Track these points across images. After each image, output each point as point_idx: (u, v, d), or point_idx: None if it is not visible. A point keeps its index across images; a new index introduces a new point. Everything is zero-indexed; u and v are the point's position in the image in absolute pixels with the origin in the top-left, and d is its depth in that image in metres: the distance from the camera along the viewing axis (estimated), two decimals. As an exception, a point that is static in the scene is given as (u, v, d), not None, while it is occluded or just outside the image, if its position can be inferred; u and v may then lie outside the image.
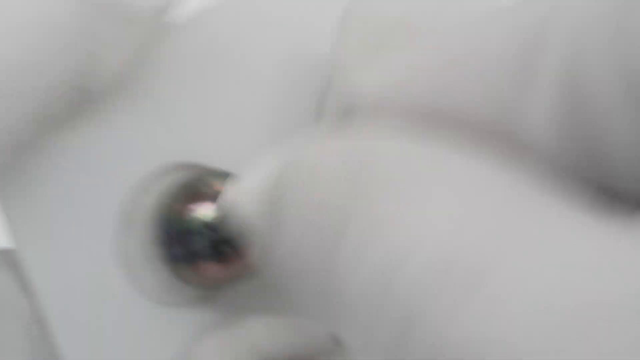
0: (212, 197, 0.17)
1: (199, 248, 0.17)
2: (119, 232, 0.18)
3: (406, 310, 0.11)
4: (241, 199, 0.15)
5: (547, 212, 0.11)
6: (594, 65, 0.12)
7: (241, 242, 0.16)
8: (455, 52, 0.14)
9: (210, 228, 0.17)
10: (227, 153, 0.19)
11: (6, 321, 0.18)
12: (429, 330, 0.11)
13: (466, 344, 0.10)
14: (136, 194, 0.18)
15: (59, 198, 0.18)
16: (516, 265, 0.11)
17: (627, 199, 0.13)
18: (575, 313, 0.10)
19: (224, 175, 0.18)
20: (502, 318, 0.10)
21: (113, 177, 0.18)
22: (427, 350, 0.11)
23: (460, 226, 0.11)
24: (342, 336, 0.13)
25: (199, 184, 0.18)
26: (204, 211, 0.17)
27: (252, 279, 0.18)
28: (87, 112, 0.18)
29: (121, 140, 0.18)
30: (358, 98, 0.16)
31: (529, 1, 0.14)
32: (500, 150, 0.13)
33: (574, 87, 0.13)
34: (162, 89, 0.19)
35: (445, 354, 0.11)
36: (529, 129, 0.13)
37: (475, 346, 0.10)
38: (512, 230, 0.11)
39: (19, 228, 0.18)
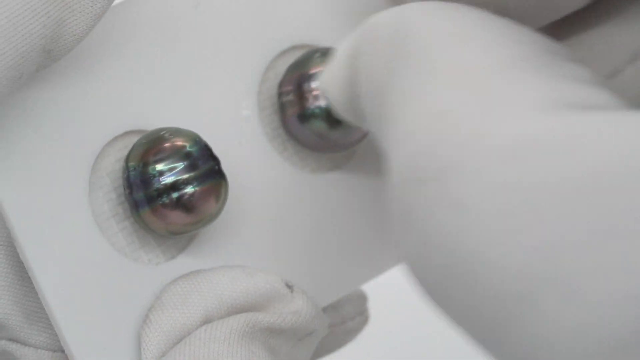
0: (172, 149, 0.19)
1: (157, 191, 0.19)
2: (89, 187, 0.19)
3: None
4: (331, 67, 0.17)
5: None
6: None
7: (201, 184, 0.19)
8: None
9: (163, 173, 0.19)
10: (188, 113, 0.20)
11: None
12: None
13: None
14: (102, 150, 0.19)
15: (32, 151, 0.19)
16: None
17: None
18: None
19: (184, 133, 0.19)
20: None
21: (82, 134, 0.19)
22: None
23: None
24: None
25: (160, 140, 0.19)
26: (159, 161, 0.19)
27: (213, 224, 0.19)
28: (50, 72, 0.19)
29: (87, 100, 0.19)
30: None
31: None
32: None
33: None
34: (119, 54, 0.20)
35: None
36: None
37: None
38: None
39: None
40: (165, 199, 0.19)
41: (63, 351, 0.19)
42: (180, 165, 0.19)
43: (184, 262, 0.20)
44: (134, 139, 0.20)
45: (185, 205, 0.19)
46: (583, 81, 0.14)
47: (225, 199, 0.19)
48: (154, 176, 0.19)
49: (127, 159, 0.19)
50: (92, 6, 0.17)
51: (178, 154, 0.19)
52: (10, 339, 0.20)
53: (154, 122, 0.20)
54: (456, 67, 0.15)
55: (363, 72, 0.17)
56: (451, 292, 0.13)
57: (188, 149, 0.19)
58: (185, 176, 0.19)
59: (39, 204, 0.18)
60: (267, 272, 0.20)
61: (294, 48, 0.21)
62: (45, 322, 0.19)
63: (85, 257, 0.19)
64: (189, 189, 0.19)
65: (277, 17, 0.21)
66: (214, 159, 0.19)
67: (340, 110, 0.17)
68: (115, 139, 0.20)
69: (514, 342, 0.12)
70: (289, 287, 0.20)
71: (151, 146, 0.19)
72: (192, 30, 0.20)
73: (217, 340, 0.18)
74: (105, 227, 0.19)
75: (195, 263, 0.20)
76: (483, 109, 0.14)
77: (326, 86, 0.18)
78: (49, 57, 0.17)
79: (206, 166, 0.19)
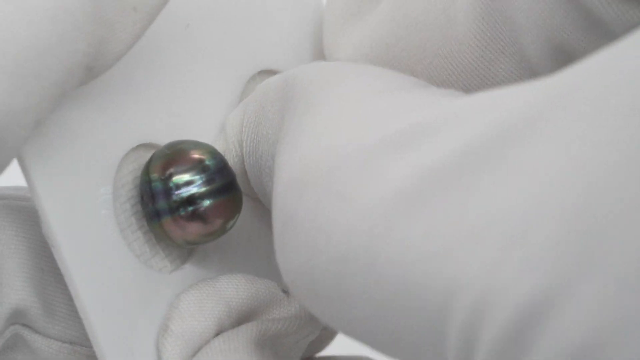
0: (194, 162, 0.20)
1: (179, 202, 0.19)
2: (112, 196, 0.20)
3: None
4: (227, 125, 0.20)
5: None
6: None
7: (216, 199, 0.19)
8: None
9: (176, 187, 0.19)
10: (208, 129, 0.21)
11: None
12: None
13: None
14: (122, 162, 0.20)
15: (68, 160, 0.19)
16: None
17: None
18: None
19: (203, 146, 0.20)
20: None
21: (107, 145, 0.20)
22: None
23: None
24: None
25: (182, 152, 0.20)
26: (180, 172, 0.20)
27: (225, 235, 0.20)
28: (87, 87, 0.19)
29: (99, 116, 0.20)
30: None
31: None
32: None
33: None
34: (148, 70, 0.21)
35: None
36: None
37: None
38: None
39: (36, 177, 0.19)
40: (187, 210, 0.19)
41: (72, 343, 0.20)
42: (202, 177, 0.20)
43: (191, 271, 0.21)
44: (143, 152, 0.20)
45: (204, 216, 0.19)
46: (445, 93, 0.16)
47: (240, 211, 0.20)
48: (177, 187, 0.19)
49: (148, 170, 0.20)
50: (132, 26, 0.18)
51: (199, 166, 0.20)
52: (24, 325, 0.20)
53: (161, 136, 0.21)
54: (332, 100, 0.16)
55: (253, 118, 0.19)
56: (345, 289, 0.14)
57: (207, 162, 0.20)
58: (206, 189, 0.19)
59: (73, 214, 0.19)
60: (264, 279, 0.21)
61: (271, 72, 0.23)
62: (61, 314, 0.20)
63: (112, 265, 0.19)
64: (210, 202, 0.19)
65: (264, 40, 0.23)
66: (231, 173, 0.20)
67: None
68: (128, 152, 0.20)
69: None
70: (285, 292, 0.21)
71: (174, 158, 0.20)
72: (182, 49, 0.21)
73: (237, 351, 0.19)
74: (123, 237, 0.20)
75: (201, 272, 0.21)
76: (354, 124, 0.15)
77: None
78: (90, 74, 0.18)
79: (225, 179, 0.20)
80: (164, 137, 0.21)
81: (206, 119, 0.22)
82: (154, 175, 0.20)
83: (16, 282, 0.20)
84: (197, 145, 0.20)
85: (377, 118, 0.15)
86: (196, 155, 0.20)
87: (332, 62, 0.20)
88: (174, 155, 0.20)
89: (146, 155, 0.20)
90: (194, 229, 0.20)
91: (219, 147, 0.21)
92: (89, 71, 0.18)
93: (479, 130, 0.13)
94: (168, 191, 0.19)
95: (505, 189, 0.12)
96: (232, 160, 0.21)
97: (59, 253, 0.19)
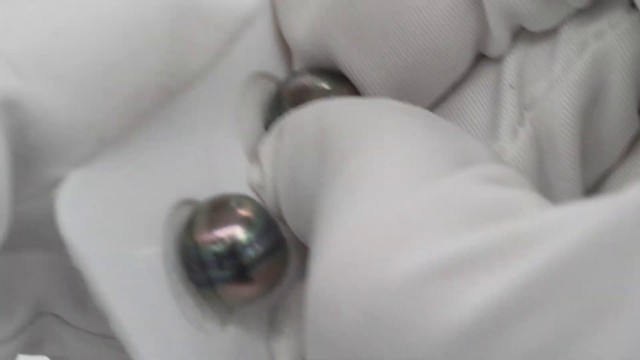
0: (235, 220, 0.19)
1: (213, 274, 0.18)
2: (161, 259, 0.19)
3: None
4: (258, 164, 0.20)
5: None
6: None
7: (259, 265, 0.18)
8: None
9: (229, 253, 0.18)
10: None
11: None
12: None
13: None
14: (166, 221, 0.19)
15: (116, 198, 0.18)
16: None
17: None
18: None
19: (244, 199, 0.19)
20: None
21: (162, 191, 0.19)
22: None
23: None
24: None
25: (221, 210, 0.19)
26: (226, 234, 0.18)
27: (273, 296, 0.19)
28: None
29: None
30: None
31: None
32: None
33: None
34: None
35: None
36: None
37: None
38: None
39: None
40: (242, 274, 0.18)
41: (102, 336, 0.20)
42: (251, 238, 0.18)
43: (239, 325, 0.20)
44: (184, 210, 0.19)
45: (257, 278, 0.18)
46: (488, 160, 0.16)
47: (288, 265, 0.19)
48: (228, 253, 0.18)
49: (192, 233, 0.19)
50: (214, 45, 0.17)
51: (247, 225, 0.18)
52: (54, 315, 0.20)
53: (199, 191, 0.20)
54: (373, 184, 0.16)
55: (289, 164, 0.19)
56: None
57: (254, 219, 0.19)
58: (257, 251, 0.18)
59: (122, 281, 0.18)
60: None
61: None
62: (91, 308, 0.19)
63: (170, 333, 0.18)
64: (262, 264, 0.18)
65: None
66: (278, 229, 0.19)
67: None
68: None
69: None
70: None
71: (218, 218, 0.18)
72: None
73: None
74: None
75: (250, 321, 0.20)
76: (397, 235, 0.14)
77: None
78: (167, 94, 0.17)
79: (275, 238, 0.19)
80: (201, 192, 0.20)
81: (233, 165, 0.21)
82: (199, 240, 0.18)
83: (41, 272, 0.19)
84: (241, 201, 0.19)
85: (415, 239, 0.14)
86: (243, 213, 0.19)
87: (362, 108, 0.18)
88: (217, 215, 0.19)
89: (186, 214, 0.19)
90: (248, 292, 0.19)
91: (254, 181, 0.20)
92: (165, 90, 0.17)
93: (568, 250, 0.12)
94: (218, 258, 0.18)
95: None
96: (268, 197, 0.20)
97: (115, 323, 0.18)
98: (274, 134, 0.20)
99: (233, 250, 0.18)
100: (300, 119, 0.19)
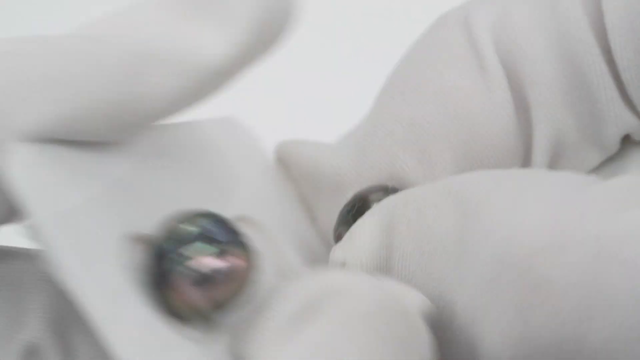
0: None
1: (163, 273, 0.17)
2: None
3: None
4: (354, 254, 0.19)
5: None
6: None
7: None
8: None
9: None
10: None
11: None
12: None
13: None
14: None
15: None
16: None
17: None
18: None
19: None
20: None
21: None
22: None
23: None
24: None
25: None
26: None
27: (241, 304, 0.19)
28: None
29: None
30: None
31: None
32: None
33: None
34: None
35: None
36: None
37: None
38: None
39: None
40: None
41: None
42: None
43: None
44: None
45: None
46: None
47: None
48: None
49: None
50: (171, 85, 0.18)
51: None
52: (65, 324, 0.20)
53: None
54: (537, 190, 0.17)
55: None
56: None
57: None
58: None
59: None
60: None
61: None
62: (84, 358, 0.19)
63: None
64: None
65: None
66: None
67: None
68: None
69: None
70: None
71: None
72: None
73: None
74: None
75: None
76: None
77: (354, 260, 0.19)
78: (119, 121, 0.17)
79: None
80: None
81: None
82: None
83: (30, 320, 0.19)
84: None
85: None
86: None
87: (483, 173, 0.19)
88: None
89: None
90: (189, 297, 0.17)
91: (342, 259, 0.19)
92: (114, 117, 0.17)
93: None
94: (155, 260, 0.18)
95: None
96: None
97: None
98: (374, 219, 0.20)
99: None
100: (394, 201, 0.19)
